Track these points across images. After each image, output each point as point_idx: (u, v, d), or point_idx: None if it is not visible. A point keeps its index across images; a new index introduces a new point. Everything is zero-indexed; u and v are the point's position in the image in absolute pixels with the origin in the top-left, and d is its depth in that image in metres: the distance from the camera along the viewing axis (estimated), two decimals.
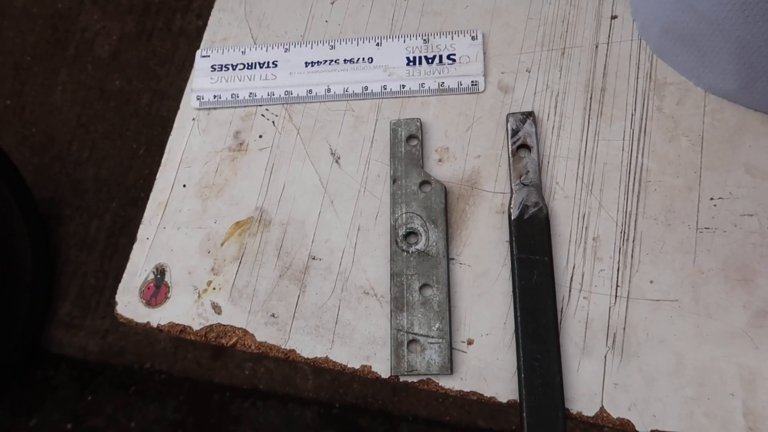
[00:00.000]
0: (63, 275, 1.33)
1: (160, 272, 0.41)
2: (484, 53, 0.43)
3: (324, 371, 1.16)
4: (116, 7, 1.55)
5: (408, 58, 0.43)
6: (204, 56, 0.45)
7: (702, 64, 0.39)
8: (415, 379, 0.37)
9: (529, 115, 0.40)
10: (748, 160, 0.38)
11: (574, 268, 0.37)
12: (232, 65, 0.45)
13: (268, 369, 1.20)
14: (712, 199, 0.38)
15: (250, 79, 0.44)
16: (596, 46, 0.42)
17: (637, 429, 0.34)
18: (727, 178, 0.38)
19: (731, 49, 0.36)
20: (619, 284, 0.37)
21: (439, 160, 0.41)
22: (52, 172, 1.42)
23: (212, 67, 0.45)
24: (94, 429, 1.26)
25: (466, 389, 0.36)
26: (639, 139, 0.39)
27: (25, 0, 1.59)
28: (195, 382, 1.22)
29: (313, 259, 0.40)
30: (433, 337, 0.37)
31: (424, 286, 0.38)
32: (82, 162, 1.41)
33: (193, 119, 0.44)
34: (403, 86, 0.43)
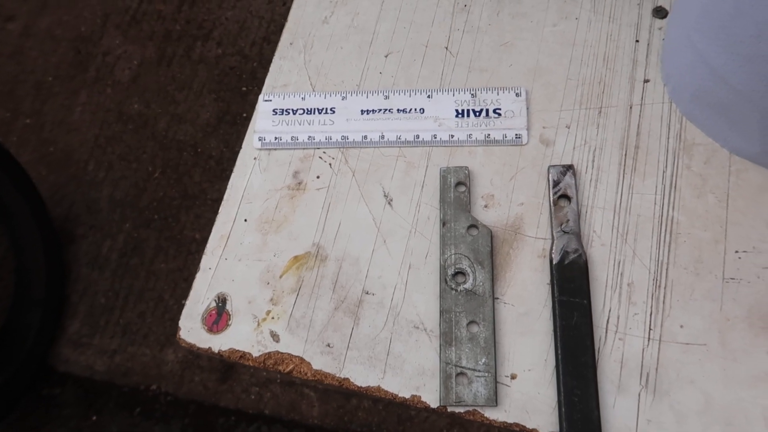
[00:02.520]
0: (73, 293, 1.35)
1: (222, 301, 0.44)
2: (527, 109, 0.47)
3: (330, 398, 1.18)
4: (138, 32, 1.60)
5: (457, 111, 0.47)
6: (266, 100, 0.49)
7: (729, 129, 0.43)
8: (462, 410, 0.39)
9: (570, 168, 0.44)
10: None
11: (610, 311, 0.41)
12: (293, 110, 0.48)
13: (274, 394, 1.22)
14: (737, 252, 0.41)
15: (309, 124, 0.48)
16: (630, 107, 0.46)
17: None
18: (751, 232, 0.42)
19: (757, 118, 0.40)
20: (652, 327, 0.40)
21: (485, 206, 0.44)
22: (68, 191, 1.45)
23: (273, 110, 0.48)
24: None
25: (510, 420, 0.39)
26: (670, 194, 0.43)
27: (49, 22, 1.63)
28: (201, 405, 1.23)
29: (367, 293, 0.43)
30: (479, 371, 0.40)
31: (471, 322, 0.41)
32: (97, 182, 1.44)
33: (255, 158, 0.48)
34: (452, 136, 0.46)
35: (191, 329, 0.43)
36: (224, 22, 1.56)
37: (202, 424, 1.23)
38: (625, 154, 0.45)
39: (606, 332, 0.40)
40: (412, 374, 0.41)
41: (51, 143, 1.50)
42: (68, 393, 1.28)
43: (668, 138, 0.45)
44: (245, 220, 0.46)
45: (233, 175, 0.48)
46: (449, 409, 0.39)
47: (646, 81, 0.47)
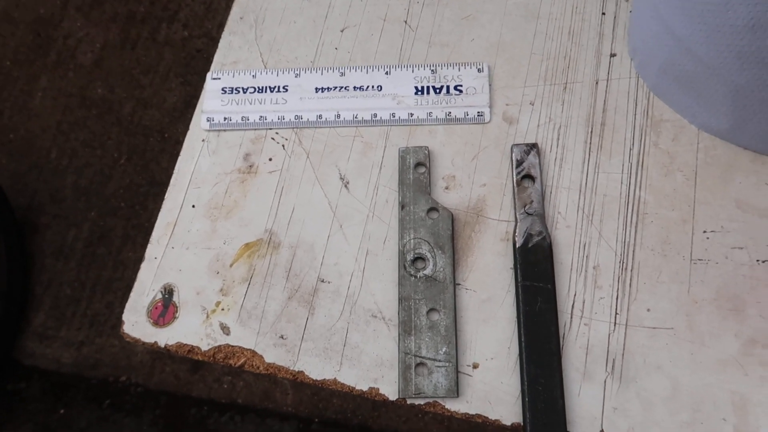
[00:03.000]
0: (38, 285, 1.31)
1: (168, 292, 0.41)
2: (490, 85, 0.45)
3: (304, 386, 1.16)
4: (100, 14, 1.54)
5: (416, 88, 0.45)
6: (215, 78, 0.46)
7: (697, 104, 0.41)
8: (422, 402, 0.38)
9: (533, 146, 0.42)
10: (739, 195, 0.40)
11: (575, 295, 0.39)
12: (243, 88, 0.46)
13: (247, 383, 1.19)
14: (705, 232, 0.40)
15: (260, 103, 0.45)
16: (596, 83, 0.44)
17: None
18: (719, 212, 0.40)
19: (725, 92, 0.39)
20: (618, 312, 0.38)
21: (446, 188, 0.42)
22: (30, 180, 1.40)
23: (223, 89, 0.46)
24: None
25: (472, 412, 0.37)
26: (637, 173, 0.41)
27: (6, 4, 1.57)
28: (172, 395, 1.21)
29: (322, 281, 0.41)
30: (440, 361, 0.38)
31: (431, 310, 0.39)
32: (60, 170, 1.39)
33: (203, 140, 0.45)
34: (411, 114, 0.44)
35: (136, 323, 0.41)
36: (190, 3, 1.51)
37: (174, 415, 1.20)
38: (591, 132, 0.43)
39: (571, 318, 0.39)
40: (369, 365, 0.39)
41: (11, 130, 1.44)
42: (34, 387, 1.25)
43: (635, 114, 0.43)
44: (193, 206, 0.43)
45: (180, 159, 0.45)
46: (408, 402, 0.38)
47: (612, 55, 0.45)
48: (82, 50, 1.48)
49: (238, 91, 0.46)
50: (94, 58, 1.49)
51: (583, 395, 0.37)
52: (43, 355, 1.24)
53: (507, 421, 0.37)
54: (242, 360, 0.39)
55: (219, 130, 0.45)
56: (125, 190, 1.32)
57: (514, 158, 0.42)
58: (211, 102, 0.45)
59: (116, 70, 1.45)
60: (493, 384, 0.38)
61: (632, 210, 0.41)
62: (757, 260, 0.39)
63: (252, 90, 0.45)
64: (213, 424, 1.16)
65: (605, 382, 0.37)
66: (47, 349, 1.26)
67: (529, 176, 0.42)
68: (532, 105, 0.44)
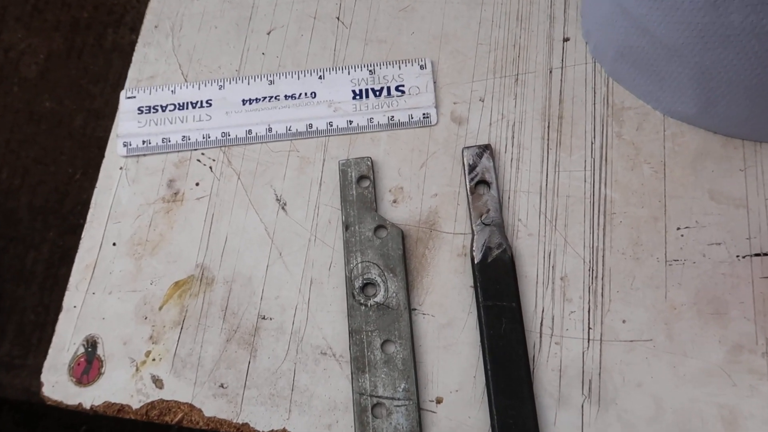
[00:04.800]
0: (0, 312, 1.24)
1: (91, 345, 0.37)
2: (435, 83, 0.40)
3: None
4: (42, 23, 1.46)
5: (354, 92, 0.40)
6: (129, 97, 0.41)
7: (660, 88, 0.37)
8: None
9: (486, 148, 0.38)
10: (712, 185, 0.37)
11: (543, 311, 0.35)
12: (162, 106, 0.41)
13: None
14: (678, 228, 0.36)
15: (182, 121, 0.40)
16: (550, 71, 0.40)
17: None
18: (692, 205, 0.37)
19: (689, 74, 0.35)
20: (591, 326, 0.35)
21: (394, 201, 0.38)
22: None
23: (139, 109, 0.41)
24: None
25: None
26: (601, 169, 0.38)
27: None
28: None
29: (263, 318, 0.36)
30: (399, 399, 0.34)
31: (386, 342, 0.35)
32: (13, 190, 1.32)
33: (121, 168, 0.40)
34: (351, 122, 0.40)
35: (57, 383, 0.36)
36: (136, 5, 1.44)
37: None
38: (548, 127, 0.39)
39: (540, 337, 0.35)
40: (322, 410, 0.34)
41: None
42: (5, 419, 1.19)
43: (594, 104, 0.39)
44: (114, 244, 0.39)
45: (96, 191, 0.40)
46: None
47: (565, 40, 0.41)
48: (26, 62, 1.41)
49: (157, 110, 0.41)
50: (39, 70, 1.41)
51: (560, 424, 0.33)
52: (11, 385, 1.18)
53: None
54: (179, 415, 0.35)
55: (138, 156, 0.40)
56: (83, 206, 1.26)
57: (466, 163, 0.38)
58: (127, 124, 0.41)
59: (63, 81, 1.38)
60: (459, 419, 0.34)
61: (599, 211, 0.37)
62: (737, 256, 0.35)
63: (172, 107, 0.41)
64: None
65: (582, 406, 0.33)
66: (15, 379, 1.20)
67: (483, 182, 0.38)
68: (482, 102, 0.40)
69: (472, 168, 0.38)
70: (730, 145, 0.38)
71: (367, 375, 0.34)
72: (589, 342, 0.35)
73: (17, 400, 1.29)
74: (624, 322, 0.35)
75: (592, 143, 0.38)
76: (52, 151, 1.49)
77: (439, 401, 0.34)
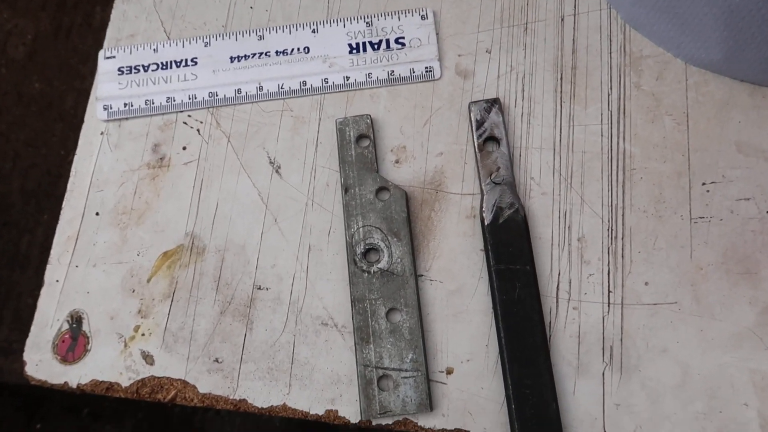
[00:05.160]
0: None
1: (76, 320, 0.34)
2: (437, 34, 0.37)
3: None
4: (28, 3, 1.42)
5: (350, 45, 0.37)
6: (108, 57, 0.38)
7: (682, 33, 0.34)
8: (389, 421, 0.31)
9: (494, 102, 0.35)
10: (739, 137, 0.34)
11: (559, 275, 0.33)
12: (144, 66, 0.38)
13: None
14: (704, 184, 0.34)
15: (166, 81, 0.37)
16: (562, 19, 0.37)
17: None
18: (718, 159, 0.34)
19: (716, 15, 0.32)
20: (611, 289, 0.32)
21: (396, 162, 0.35)
22: None
23: (119, 69, 0.38)
24: None
25: (450, 427, 0.31)
26: (618, 122, 0.35)
27: None
28: None
29: (259, 289, 0.34)
30: (406, 371, 0.31)
31: (391, 311, 0.32)
32: (5, 175, 1.29)
33: (102, 133, 0.37)
34: (348, 78, 0.37)
35: (40, 362, 0.34)
36: None
37: (157, 416, 1.14)
38: (561, 79, 0.36)
39: (557, 302, 0.32)
40: (324, 384, 0.32)
41: None
42: (6, 404, 1.18)
43: (610, 53, 0.36)
44: (97, 214, 0.36)
45: (76, 159, 0.37)
46: (374, 423, 0.31)
47: None
48: (13, 44, 1.37)
49: (138, 70, 0.38)
50: (27, 51, 1.37)
51: (579, 393, 0.31)
52: (10, 370, 1.17)
53: None
54: (172, 393, 0.33)
55: (120, 119, 0.38)
56: None
57: (473, 118, 0.35)
58: (107, 86, 0.38)
59: (52, 62, 1.34)
60: (471, 391, 0.32)
61: (617, 167, 0.34)
62: (767, 211, 0.33)
63: (155, 67, 0.38)
64: (198, 421, 1.10)
65: (603, 374, 0.31)
66: (14, 363, 1.18)
67: (492, 138, 0.35)
68: (489, 53, 0.37)
69: (479, 124, 0.35)
70: (758, 94, 0.35)
71: (371, 346, 0.32)
72: (609, 306, 0.32)
73: (17, 384, 1.26)
74: (646, 284, 0.32)
75: (608, 95, 0.36)
76: (43, 133, 1.45)
77: (449, 372, 0.32)
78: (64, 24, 1.37)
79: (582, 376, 0.31)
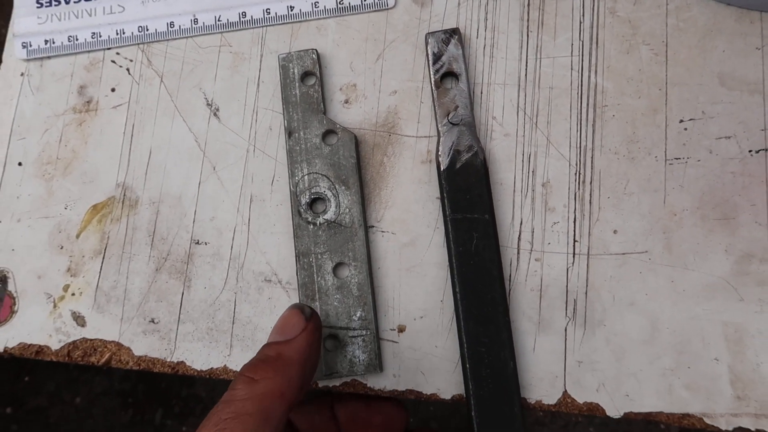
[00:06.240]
0: None
1: (1, 280, 0.32)
2: None
3: None
4: None
5: None
6: None
7: None
8: (337, 382, 0.29)
9: (454, 33, 0.32)
10: (722, 68, 0.31)
11: (521, 224, 0.30)
12: None
13: None
14: (681, 121, 0.30)
15: (90, 14, 0.34)
16: None
17: (608, 413, 0.28)
18: (699, 93, 0.31)
19: None
20: (577, 239, 0.30)
21: (346, 102, 0.32)
22: None
23: (38, 1, 0.34)
24: (36, 410, 1.18)
25: (401, 388, 0.29)
26: (590, 53, 0.32)
27: None
28: None
29: (197, 243, 0.31)
30: (354, 329, 0.29)
31: (338, 265, 0.30)
32: None
33: (22, 74, 0.34)
34: (291, 8, 0.33)
35: None
36: None
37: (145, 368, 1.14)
38: (528, 5, 0.32)
39: (518, 253, 0.30)
40: None
41: None
42: None
43: None
44: (19, 164, 0.33)
45: None
46: (320, 384, 0.29)
47: None
48: None
49: (59, 2, 0.34)
50: None
51: (540, 350, 0.29)
52: None
53: (446, 394, 0.29)
54: (106, 356, 0.30)
55: (41, 58, 0.34)
56: None
57: (430, 51, 0.32)
58: (25, 21, 0.34)
59: None
60: (424, 350, 0.29)
61: (587, 103, 0.31)
62: (750, 151, 0.30)
63: None
64: None
65: (566, 330, 0.29)
66: None
67: (451, 74, 0.31)
68: None
69: (437, 58, 0.32)
70: (745, 19, 0.31)
71: (317, 303, 0.29)
72: (574, 257, 0.30)
73: None
74: (615, 232, 0.30)
75: (580, 23, 0.32)
76: None
77: (401, 330, 0.30)
78: None
79: (543, 332, 0.29)
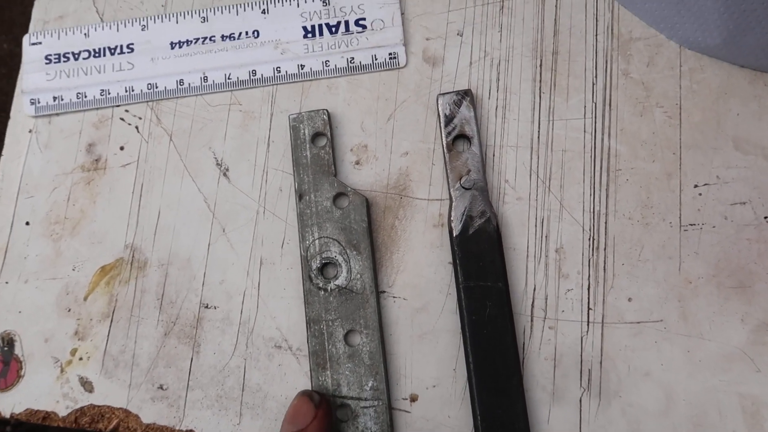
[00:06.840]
0: None
1: (7, 343, 0.31)
2: (402, 14, 0.33)
3: None
4: None
5: (305, 28, 0.33)
6: (34, 43, 0.34)
7: (677, 13, 0.30)
8: None
9: (466, 94, 0.31)
10: (737, 131, 0.31)
11: (535, 290, 0.30)
12: (74, 54, 0.34)
13: None
14: (696, 186, 0.30)
15: (99, 71, 0.33)
16: None
17: None
18: (713, 157, 0.30)
19: None
20: (591, 306, 0.29)
21: (357, 163, 0.32)
22: None
23: (47, 57, 0.34)
24: None
25: None
26: (603, 116, 0.31)
27: None
28: None
29: (206, 307, 0.31)
30: (366, 399, 0.29)
31: (350, 332, 0.30)
32: None
33: (30, 131, 0.34)
34: (302, 66, 0.33)
35: None
36: None
37: None
38: (540, 65, 0.32)
39: (532, 321, 0.30)
40: (278, 414, 0.30)
41: None
42: None
43: (596, 35, 0.32)
44: (27, 224, 0.33)
45: (3, 160, 0.34)
46: None
47: None
48: None
49: (68, 58, 0.34)
50: None
51: (554, 421, 0.29)
52: None
53: None
54: (113, 423, 0.30)
55: (50, 115, 0.34)
56: None
57: (441, 113, 0.31)
58: (34, 77, 0.34)
59: None
60: (437, 420, 0.29)
61: (601, 167, 0.31)
62: (765, 217, 0.30)
63: (86, 54, 0.34)
64: None
65: (580, 401, 0.29)
66: None
67: (463, 136, 0.31)
68: (461, 36, 0.33)
69: (449, 119, 0.31)
70: (759, 81, 0.31)
71: (328, 372, 0.29)
72: (588, 325, 0.29)
73: None
74: (630, 300, 0.29)
75: (593, 84, 0.32)
76: None
77: (413, 399, 0.29)
78: None
79: (557, 403, 0.29)
